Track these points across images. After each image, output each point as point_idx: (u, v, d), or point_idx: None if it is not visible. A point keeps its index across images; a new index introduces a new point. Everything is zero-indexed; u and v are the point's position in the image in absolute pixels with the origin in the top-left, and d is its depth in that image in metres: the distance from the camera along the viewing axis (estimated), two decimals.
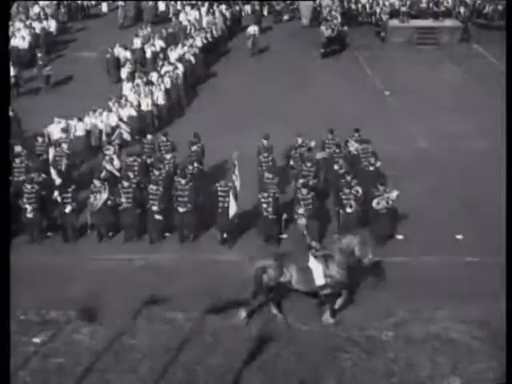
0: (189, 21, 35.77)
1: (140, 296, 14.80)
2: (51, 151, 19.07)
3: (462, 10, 37.75)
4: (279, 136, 20.01)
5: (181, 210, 16.75)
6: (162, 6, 40.91)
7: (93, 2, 43.59)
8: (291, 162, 19.02)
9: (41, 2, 39.46)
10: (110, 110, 22.85)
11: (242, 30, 36.57)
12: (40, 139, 20.42)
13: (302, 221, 15.47)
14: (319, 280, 13.60)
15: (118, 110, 22.97)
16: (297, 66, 31.77)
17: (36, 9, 38.24)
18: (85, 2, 42.39)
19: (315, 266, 13.63)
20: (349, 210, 16.45)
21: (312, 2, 39.11)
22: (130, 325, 13.89)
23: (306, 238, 14.54)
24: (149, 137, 20.34)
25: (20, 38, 31.88)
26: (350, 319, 13.96)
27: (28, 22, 34.75)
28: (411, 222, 17.48)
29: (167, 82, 26.02)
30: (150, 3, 40.10)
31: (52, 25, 36.10)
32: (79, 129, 21.81)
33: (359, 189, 16.91)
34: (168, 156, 19.05)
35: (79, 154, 21.44)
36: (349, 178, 17.05)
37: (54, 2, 39.83)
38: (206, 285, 15.24)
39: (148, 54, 30.42)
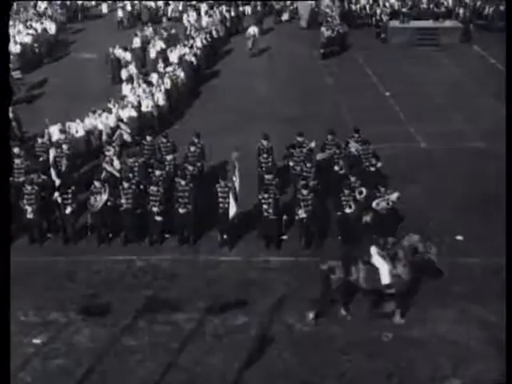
0: (189, 21, 35.84)
1: (140, 297, 14.82)
2: (52, 152, 19.07)
3: (462, 11, 37.77)
4: (279, 136, 20.00)
5: (181, 210, 16.74)
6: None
7: (93, 3, 43.70)
8: (291, 164, 18.99)
9: (41, 3, 39.55)
10: (109, 111, 22.86)
11: (243, 30, 36.60)
12: (40, 140, 20.40)
13: (368, 218, 15.19)
14: (385, 279, 13.52)
15: (118, 110, 22.98)
16: (297, 66, 31.78)
17: (32, 11, 38.33)
18: (85, 3, 42.48)
19: (381, 265, 13.55)
20: (348, 210, 16.40)
21: (310, 3, 39.18)
22: (130, 326, 13.90)
23: (373, 236, 14.18)
24: (148, 138, 20.29)
25: (14, 42, 31.77)
26: (350, 319, 13.96)
27: (28, 24, 34.82)
28: (411, 222, 17.46)
29: (167, 82, 26.03)
30: (147, 3, 40.27)
31: (52, 26, 36.12)
32: (81, 130, 21.83)
33: (363, 189, 16.84)
34: (168, 157, 19.05)
35: (81, 155, 21.45)
36: (353, 179, 17.04)
37: (57, 3, 39.91)
38: (206, 285, 15.26)
39: (152, 55, 30.46)
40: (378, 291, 13.80)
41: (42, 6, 39.64)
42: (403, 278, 13.54)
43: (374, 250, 13.69)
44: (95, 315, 14.23)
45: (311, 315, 13.87)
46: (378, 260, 13.60)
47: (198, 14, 37.52)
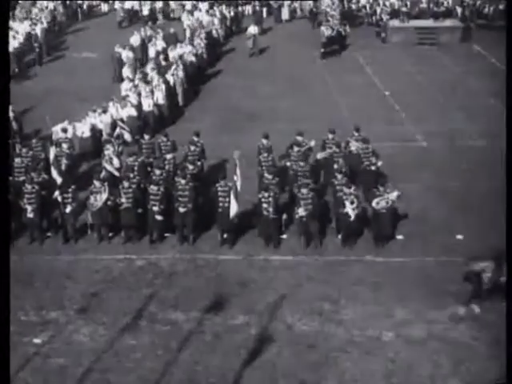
0: (189, 21, 35.80)
1: (140, 296, 14.83)
2: (52, 151, 19.06)
3: (462, 10, 37.73)
4: (279, 136, 20.00)
5: (181, 210, 16.74)
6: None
7: (93, 3, 43.68)
8: (288, 164, 18.86)
9: (41, 3, 39.49)
10: (105, 110, 22.82)
11: (243, 30, 36.59)
12: (39, 139, 20.35)
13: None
14: None
15: (118, 110, 22.96)
16: (297, 66, 31.77)
17: (34, 10, 38.26)
18: (85, 2, 42.46)
19: None
20: (347, 209, 16.34)
21: (310, 2, 39.18)
22: (130, 325, 13.90)
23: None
24: (146, 137, 20.26)
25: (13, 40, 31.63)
26: (350, 319, 13.96)
27: (28, 23, 34.79)
28: (411, 222, 17.48)
29: (167, 81, 25.97)
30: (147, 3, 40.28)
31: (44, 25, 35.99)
32: (87, 130, 21.81)
33: (352, 186, 16.79)
34: (168, 156, 19.04)
35: (86, 155, 21.45)
36: (339, 176, 17.03)
37: (58, 2, 39.88)
38: (205, 285, 15.27)
39: (152, 54, 30.44)
40: None
41: (44, 4, 39.54)
42: None
43: None
44: (95, 314, 14.24)
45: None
46: None
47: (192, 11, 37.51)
